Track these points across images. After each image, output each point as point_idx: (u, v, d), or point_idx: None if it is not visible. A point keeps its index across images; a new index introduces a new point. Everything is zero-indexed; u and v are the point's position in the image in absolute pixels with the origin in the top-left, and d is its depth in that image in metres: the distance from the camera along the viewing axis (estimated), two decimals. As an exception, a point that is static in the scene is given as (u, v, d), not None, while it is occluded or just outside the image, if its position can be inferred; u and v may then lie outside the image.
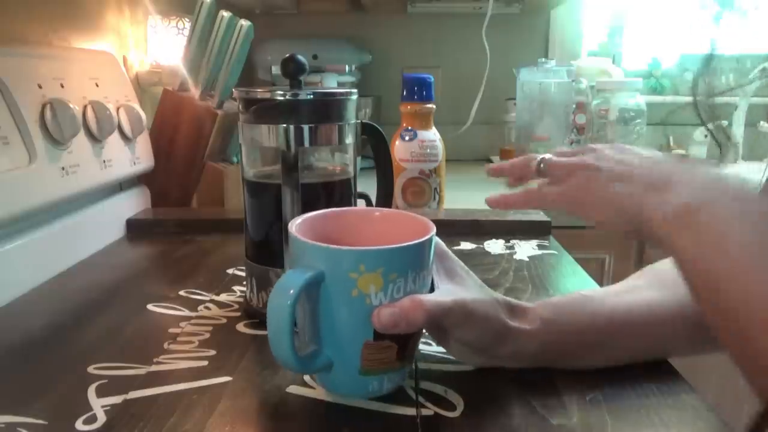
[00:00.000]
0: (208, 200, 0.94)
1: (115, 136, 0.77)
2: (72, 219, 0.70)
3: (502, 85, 1.47)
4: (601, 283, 0.60)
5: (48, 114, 0.63)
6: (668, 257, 0.39)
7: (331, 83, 1.40)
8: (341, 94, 0.51)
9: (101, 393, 0.41)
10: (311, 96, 0.50)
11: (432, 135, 0.91)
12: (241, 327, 0.52)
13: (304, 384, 0.42)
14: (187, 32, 0.96)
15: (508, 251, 0.74)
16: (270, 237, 0.53)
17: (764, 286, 0.31)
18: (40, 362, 0.46)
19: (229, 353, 0.47)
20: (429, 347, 0.47)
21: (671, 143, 1.55)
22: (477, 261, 0.71)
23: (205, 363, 0.45)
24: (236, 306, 0.57)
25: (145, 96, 1.00)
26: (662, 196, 0.36)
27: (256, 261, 0.54)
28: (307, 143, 0.50)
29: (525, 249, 0.75)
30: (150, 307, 0.56)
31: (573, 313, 0.44)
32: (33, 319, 0.55)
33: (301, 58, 0.51)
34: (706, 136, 1.43)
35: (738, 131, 1.42)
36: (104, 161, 0.74)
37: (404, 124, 0.92)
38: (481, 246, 0.77)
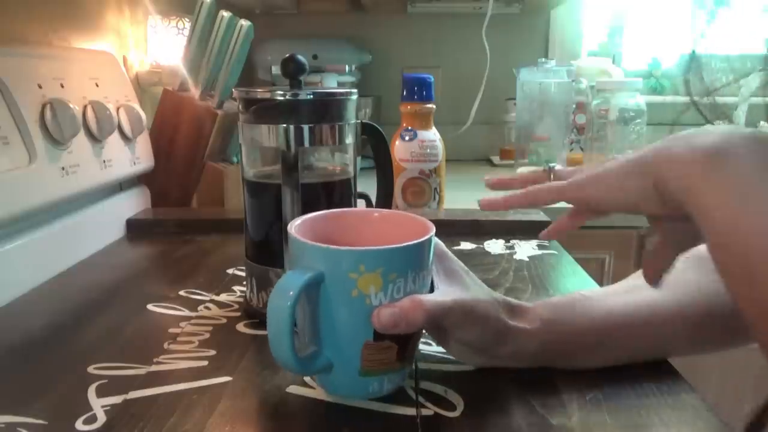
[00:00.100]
0: (208, 200, 0.94)
1: (115, 136, 0.77)
2: (72, 219, 0.70)
3: (502, 85, 1.47)
4: (601, 283, 0.60)
5: (48, 114, 0.63)
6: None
7: (331, 83, 1.40)
8: (341, 94, 0.51)
9: (101, 393, 0.41)
10: (311, 96, 0.50)
11: (432, 135, 0.91)
12: (241, 327, 0.52)
13: (304, 384, 0.42)
14: (187, 32, 0.96)
15: (508, 251, 0.74)
16: (270, 237, 0.53)
17: None
18: (40, 362, 0.46)
19: (229, 353, 0.47)
20: (429, 347, 0.47)
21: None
22: (477, 261, 0.71)
23: (205, 363, 0.45)
24: (236, 306, 0.57)
25: (145, 96, 1.00)
26: (687, 142, 0.34)
27: (256, 261, 0.54)
28: (307, 143, 0.50)
29: (525, 249, 0.75)
30: (150, 307, 0.56)
31: (573, 313, 0.44)
32: (33, 319, 0.55)
33: (301, 58, 0.51)
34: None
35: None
36: (104, 161, 0.74)
37: (404, 124, 0.92)
38: (481, 246, 0.77)
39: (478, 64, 1.40)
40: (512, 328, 0.41)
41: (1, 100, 0.58)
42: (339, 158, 0.55)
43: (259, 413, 0.40)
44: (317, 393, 0.41)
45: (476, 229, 0.82)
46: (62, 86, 0.67)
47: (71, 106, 0.64)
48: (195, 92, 0.91)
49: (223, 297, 0.59)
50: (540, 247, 0.76)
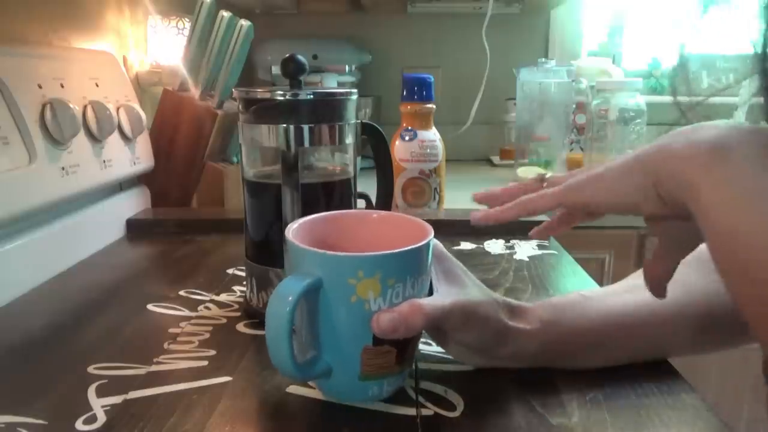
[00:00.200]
0: (208, 200, 0.94)
1: (115, 136, 0.77)
2: (72, 219, 0.70)
3: (502, 85, 1.47)
4: (601, 283, 0.60)
5: (48, 114, 0.63)
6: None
7: (331, 83, 1.40)
8: (341, 94, 0.51)
9: (101, 393, 0.41)
10: (311, 96, 0.50)
11: (432, 135, 0.91)
12: (241, 327, 0.52)
13: (304, 384, 0.42)
14: (187, 32, 0.96)
15: (508, 251, 0.74)
16: (270, 237, 0.53)
17: None
18: (40, 362, 0.46)
19: (229, 353, 0.47)
20: (429, 347, 0.47)
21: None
22: (477, 261, 0.71)
23: (205, 363, 0.45)
24: (236, 306, 0.57)
25: (145, 96, 1.00)
26: (687, 138, 0.33)
27: (256, 261, 0.54)
28: (307, 143, 0.50)
29: (525, 249, 0.75)
30: (150, 307, 0.56)
31: (573, 313, 0.44)
32: (33, 319, 0.55)
33: (301, 58, 0.51)
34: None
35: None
36: (104, 161, 0.74)
37: (404, 124, 0.92)
38: (481, 246, 0.77)
39: (478, 64, 1.40)
40: (512, 329, 0.41)
41: (1, 100, 0.58)
42: (339, 158, 0.55)
43: (259, 413, 0.40)
44: (317, 393, 0.41)
45: (476, 229, 0.81)
46: (62, 86, 0.67)
47: (71, 106, 0.64)
48: (195, 92, 0.91)
49: (223, 297, 0.59)
50: (540, 247, 0.76)
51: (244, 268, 0.56)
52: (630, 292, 0.46)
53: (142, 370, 0.44)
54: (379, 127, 0.56)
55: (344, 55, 1.47)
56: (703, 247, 0.35)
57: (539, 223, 0.46)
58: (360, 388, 0.39)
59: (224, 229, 0.81)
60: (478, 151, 1.62)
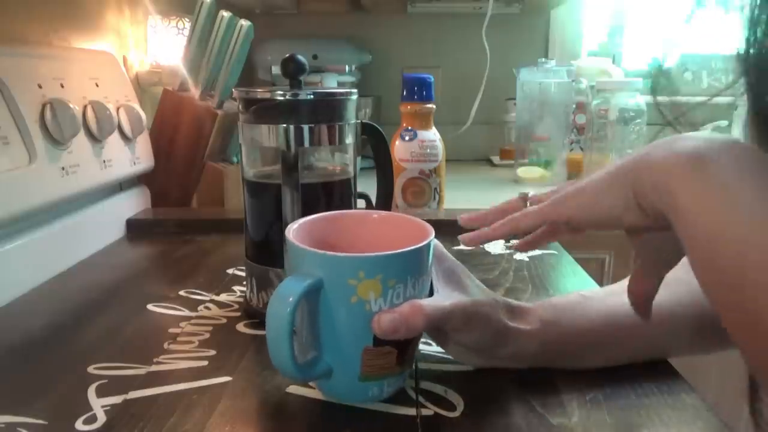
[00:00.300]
0: (208, 200, 0.94)
1: (115, 136, 0.77)
2: (72, 219, 0.70)
3: (502, 85, 1.47)
4: (601, 283, 0.60)
5: (48, 114, 0.63)
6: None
7: (331, 83, 1.40)
8: (341, 94, 0.51)
9: (101, 393, 0.41)
10: (311, 96, 0.50)
11: (432, 135, 0.91)
12: (241, 327, 0.52)
13: (305, 384, 0.42)
14: (187, 32, 0.96)
15: (508, 251, 0.74)
16: (270, 237, 0.53)
17: None
18: (40, 362, 0.46)
19: (229, 353, 0.47)
20: (429, 347, 0.47)
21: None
22: (477, 261, 0.71)
23: (205, 363, 0.45)
24: (236, 306, 0.57)
25: (145, 96, 1.00)
26: (665, 149, 0.33)
27: (256, 261, 0.54)
28: (307, 143, 0.50)
29: (525, 249, 0.75)
30: (150, 307, 0.56)
31: (573, 313, 0.44)
32: (33, 319, 0.55)
33: (301, 58, 0.51)
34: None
35: (737, 131, 1.42)
36: (104, 161, 0.74)
37: (404, 124, 0.92)
38: (481, 246, 0.77)
39: (478, 64, 1.40)
40: (512, 330, 0.41)
41: (1, 100, 0.58)
42: (339, 158, 0.55)
43: (259, 413, 0.40)
44: (317, 393, 0.41)
45: (476, 229, 0.81)
46: (62, 86, 0.67)
47: (71, 106, 0.64)
48: (195, 92, 0.91)
49: (223, 297, 0.59)
50: (540, 247, 0.75)
51: (244, 268, 0.56)
52: (630, 292, 0.46)
53: (142, 370, 0.44)
54: (379, 127, 0.56)
55: (344, 55, 1.47)
56: None
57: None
58: (360, 389, 0.39)
59: (224, 229, 0.81)
60: (478, 151, 1.62)
